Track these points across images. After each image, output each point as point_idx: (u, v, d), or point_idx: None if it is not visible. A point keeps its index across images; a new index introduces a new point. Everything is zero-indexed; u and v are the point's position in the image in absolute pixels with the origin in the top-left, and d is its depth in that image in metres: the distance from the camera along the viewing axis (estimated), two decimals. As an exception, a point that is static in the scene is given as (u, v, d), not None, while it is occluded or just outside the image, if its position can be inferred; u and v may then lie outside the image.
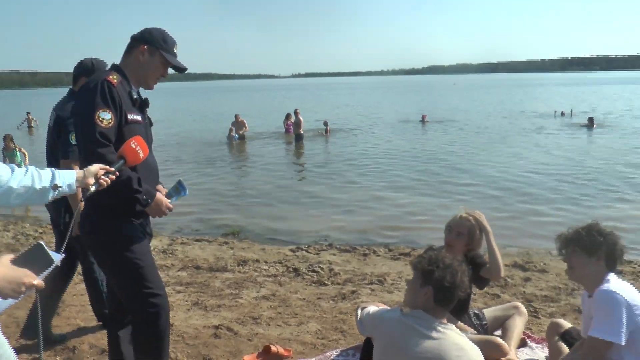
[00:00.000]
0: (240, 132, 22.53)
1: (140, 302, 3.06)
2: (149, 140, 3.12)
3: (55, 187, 2.32)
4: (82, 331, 4.55)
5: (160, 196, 3.06)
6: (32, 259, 1.86)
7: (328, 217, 9.98)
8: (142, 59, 3.08)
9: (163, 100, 69.43)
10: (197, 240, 8.22)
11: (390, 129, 26.16)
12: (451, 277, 2.70)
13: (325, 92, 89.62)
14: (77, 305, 5.14)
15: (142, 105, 3.15)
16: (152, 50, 3.08)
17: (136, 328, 3.17)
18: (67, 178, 2.39)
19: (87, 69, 4.07)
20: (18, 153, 14.22)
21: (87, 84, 2.95)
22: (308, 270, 6.36)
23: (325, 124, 23.83)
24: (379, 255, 7.25)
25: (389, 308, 2.96)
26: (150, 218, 3.27)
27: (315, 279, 5.98)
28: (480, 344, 3.63)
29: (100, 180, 2.50)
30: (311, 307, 5.05)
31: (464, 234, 3.87)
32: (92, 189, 2.47)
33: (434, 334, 2.67)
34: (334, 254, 7.32)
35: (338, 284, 5.84)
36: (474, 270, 3.86)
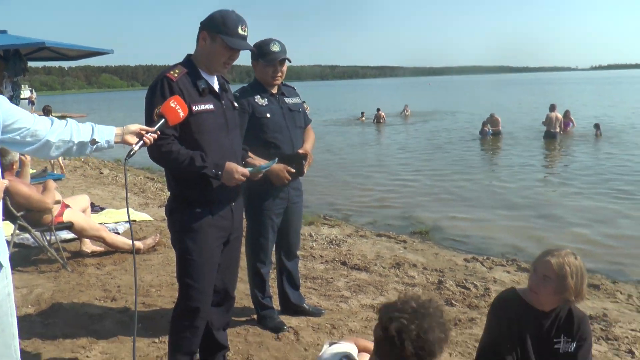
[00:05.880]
0: (495, 129, 21.39)
1: (182, 292, 3.19)
2: (228, 124, 3.16)
3: (93, 142, 2.42)
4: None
5: (230, 164, 3.03)
6: None
7: (538, 228, 8.74)
8: (204, 46, 3.05)
9: (445, 93, 69.51)
10: (379, 235, 7.88)
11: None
12: (400, 324, 1.94)
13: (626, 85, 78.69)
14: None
15: (215, 93, 3.13)
16: (212, 35, 3.00)
17: (174, 314, 3.25)
18: (105, 134, 2.47)
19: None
20: None
21: (152, 83, 3.06)
22: (456, 285, 5.57)
23: (597, 126, 20.98)
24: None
25: (347, 351, 2.25)
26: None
27: (450, 297, 5.18)
28: None
29: (145, 138, 2.60)
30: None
31: (552, 279, 2.82)
32: (136, 147, 2.59)
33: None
34: (508, 272, 6.32)
35: (470, 306, 4.97)
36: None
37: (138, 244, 6.28)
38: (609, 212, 9.70)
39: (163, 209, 8.71)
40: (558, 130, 19.87)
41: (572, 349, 2.94)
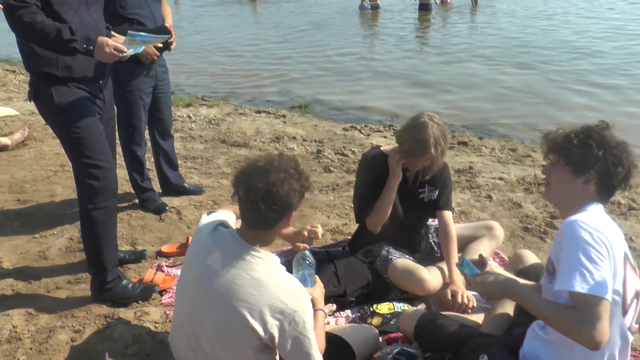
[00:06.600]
0: (373, 3, 21.40)
1: (83, 174, 2.94)
2: None
3: None
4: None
5: (102, 38, 2.72)
6: None
7: (413, 96, 9.07)
8: None
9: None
10: (258, 112, 7.89)
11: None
12: (248, 185, 2.00)
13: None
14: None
15: None
16: None
17: (82, 206, 3.00)
18: None
19: None
20: None
21: None
22: (335, 153, 5.77)
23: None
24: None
25: (222, 219, 2.30)
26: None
27: (328, 164, 5.38)
28: (402, 274, 2.94)
29: None
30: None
31: (433, 160, 2.99)
32: None
33: (235, 261, 2.04)
34: (385, 137, 6.62)
35: (348, 171, 5.20)
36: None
37: (5, 140, 5.94)
38: (477, 77, 10.19)
39: (28, 101, 8.33)
40: (432, 1, 20.20)
41: (435, 196, 3.20)
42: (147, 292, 3.18)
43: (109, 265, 3.08)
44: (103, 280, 3.08)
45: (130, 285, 3.16)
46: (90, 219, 2.98)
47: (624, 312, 1.98)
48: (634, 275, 2.04)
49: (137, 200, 4.39)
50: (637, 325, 2.09)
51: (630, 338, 2.07)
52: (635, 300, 2.03)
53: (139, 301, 3.13)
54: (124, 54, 2.76)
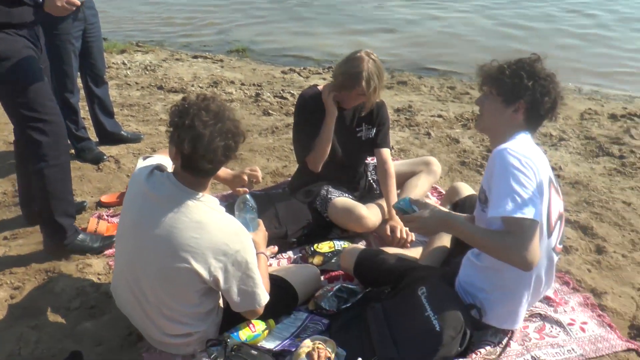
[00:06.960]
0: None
1: (28, 129, 2.74)
2: None
3: None
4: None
5: None
6: None
7: (351, 39, 8.94)
8: None
9: None
10: (195, 57, 7.68)
11: None
12: (193, 140, 1.95)
13: None
14: None
15: None
16: None
17: (32, 162, 2.81)
18: None
19: None
20: None
21: None
22: (274, 96, 5.73)
23: None
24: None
25: (158, 163, 2.26)
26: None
27: (267, 107, 5.35)
28: (341, 213, 3.03)
29: None
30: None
31: (365, 96, 3.01)
32: None
33: (174, 205, 2.03)
34: (324, 78, 6.58)
35: (287, 114, 5.19)
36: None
37: None
38: (416, 22, 10.08)
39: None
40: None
41: (373, 134, 3.24)
42: (107, 241, 3.11)
43: (67, 222, 2.98)
44: (62, 238, 2.98)
45: (88, 238, 3.07)
46: (44, 177, 2.82)
47: (549, 234, 2.09)
48: (557, 198, 2.15)
49: (73, 151, 4.26)
50: (561, 246, 2.21)
51: (555, 258, 2.20)
52: (559, 222, 2.15)
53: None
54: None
